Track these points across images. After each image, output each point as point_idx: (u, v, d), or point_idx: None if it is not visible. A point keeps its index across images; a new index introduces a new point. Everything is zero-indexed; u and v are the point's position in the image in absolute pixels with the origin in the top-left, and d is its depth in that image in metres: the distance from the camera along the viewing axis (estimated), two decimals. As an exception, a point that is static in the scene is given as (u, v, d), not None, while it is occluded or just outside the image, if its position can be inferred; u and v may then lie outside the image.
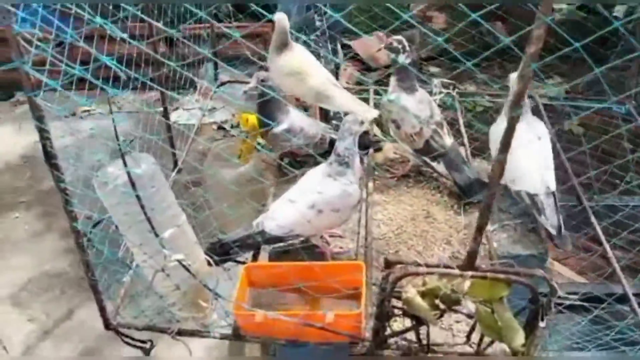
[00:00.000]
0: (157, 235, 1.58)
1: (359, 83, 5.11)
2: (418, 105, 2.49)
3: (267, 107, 2.48)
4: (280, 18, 2.61)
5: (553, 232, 2.20)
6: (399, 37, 2.50)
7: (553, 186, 2.28)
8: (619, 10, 4.19)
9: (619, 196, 2.61)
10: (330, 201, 2.04)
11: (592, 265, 2.77)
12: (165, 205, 1.66)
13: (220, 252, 2.09)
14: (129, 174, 1.45)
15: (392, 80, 2.55)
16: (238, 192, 3.36)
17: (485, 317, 1.64)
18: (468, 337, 1.78)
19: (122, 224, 1.64)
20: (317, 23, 4.21)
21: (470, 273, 1.55)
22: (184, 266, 1.65)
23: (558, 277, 2.96)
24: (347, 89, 2.97)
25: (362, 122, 2.04)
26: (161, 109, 4.89)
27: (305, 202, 2.04)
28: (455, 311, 1.70)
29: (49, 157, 1.42)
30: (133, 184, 1.48)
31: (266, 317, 1.79)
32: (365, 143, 2.65)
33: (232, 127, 4.92)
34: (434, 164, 2.51)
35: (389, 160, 2.76)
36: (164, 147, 2.87)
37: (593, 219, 2.37)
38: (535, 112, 2.67)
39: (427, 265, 1.56)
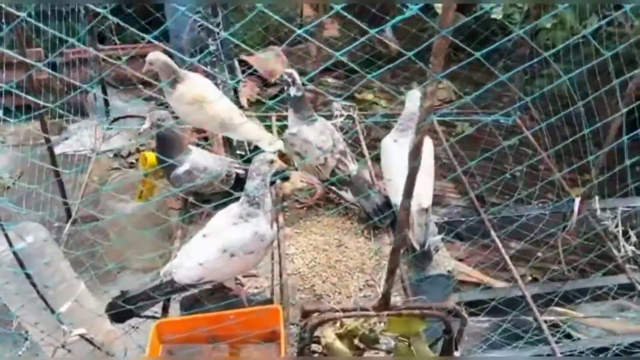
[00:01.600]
0: (53, 311, 1.45)
1: (259, 101, 5.10)
2: (320, 137, 2.50)
3: (166, 147, 2.38)
4: (154, 59, 2.56)
5: (417, 247, 2.29)
6: (289, 70, 2.50)
7: (426, 203, 2.36)
8: (496, 11, 4.44)
9: (514, 206, 2.77)
10: (243, 245, 1.98)
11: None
12: (59, 278, 1.53)
13: (125, 309, 1.96)
14: (15, 253, 1.31)
15: (290, 112, 2.55)
16: (137, 227, 3.23)
17: (403, 351, 1.67)
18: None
19: (13, 304, 1.49)
20: (212, 47, 4.12)
21: (386, 313, 1.56)
22: (87, 339, 1.53)
23: (464, 277, 3.11)
24: (248, 109, 2.95)
25: (271, 161, 2.01)
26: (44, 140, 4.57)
27: (216, 247, 1.97)
28: (375, 349, 1.71)
29: None
30: (21, 263, 1.34)
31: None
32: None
33: (129, 154, 4.69)
34: (341, 192, 2.53)
35: (297, 190, 2.75)
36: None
37: (492, 233, 2.50)
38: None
39: (344, 310, 1.56)
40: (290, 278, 2.27)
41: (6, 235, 1.30)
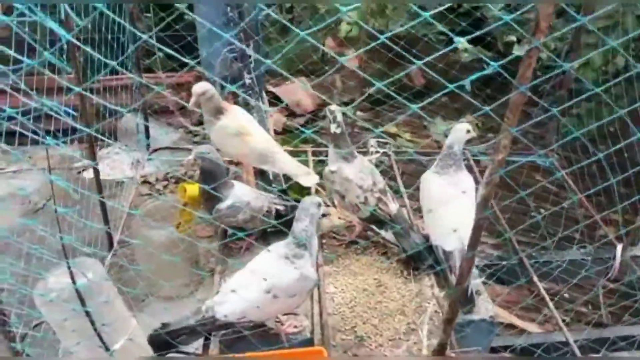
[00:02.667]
0: (107, 349, 1.45)
1: (286, 130, 5.14)
2: (360, 174, 2.49)
3: (210, 180, 2.40)
4: (200, 91, 2.59)
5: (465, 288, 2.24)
6: (333, 106, 2.51)
7: None
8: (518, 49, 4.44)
9: (555, 251, 2.73)
10: (287, 286, 1.97)
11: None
12: (114, 315, 1.53)
13: (165, 342, 1.95)
14: (77, 290, 1.32)
15: (330, 149, 2.55)
16: (169, 256, 3.23)
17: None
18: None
19: (68, 340, 1.49)
20: (247, 81, 4.18)
21: (439, 363, 1.54)
22: (138, 379, 1.51)
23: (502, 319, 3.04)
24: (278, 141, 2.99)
25: (319, 205, 2.00)
26: (81, 163, 4.61)
27: (260, 287, 1.96)
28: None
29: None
30: (82, 300, 1.34)
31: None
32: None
33: (156, 180, 4.73)
34: (381, 231, 2.51)
35: (335, 227, 2.75)
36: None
37: (535, 278, 2.46)
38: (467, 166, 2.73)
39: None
40: (330, 318, 2.24)
41: (71, 272, 1.31)
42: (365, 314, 2.27)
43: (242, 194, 2.46)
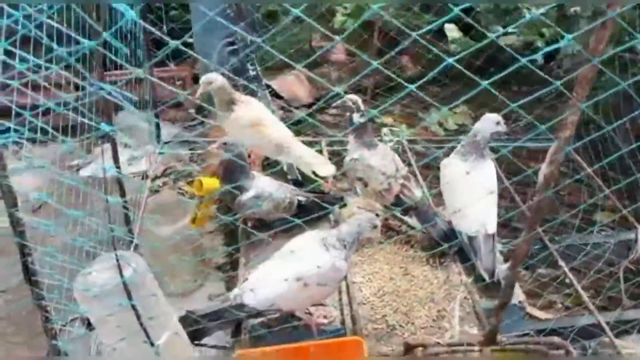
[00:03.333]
0: (152, 344, 1.40)
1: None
2: (382, 161, 2.46)
3: (232, 172, 2.35)
4: (208, 81, 2.54)
5: (485, 276, 2.24)
6: (353, 96, 2.47)
7: (492, 229, 2.32)
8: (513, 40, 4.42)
9: (578, 235, 2.72)
10: (319, 272, 1.92)
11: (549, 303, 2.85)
12: (158, 309, 1.48)
13: (191, 329, 1.90)
14: (124, 283, 1.27)
15: (351, 138, 2.51)
16: (174, 251, 3.18)
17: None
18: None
19: (110, 337, 1.43)
20: (252, 72, 4.12)
21: (492, 347, 1.51)
22: (183, 374, 1.47)
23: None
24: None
25: (375, 227, 1.98)
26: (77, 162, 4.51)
27: (291, 274, 1.92)
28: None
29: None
30: (129, 293, 1.29)
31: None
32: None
33: (156, 177, 4.64)
34: (406, 217, 2.48)
35: (349, 216, 2.70)
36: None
37: (561, 262, 2.44)
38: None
39: (450, 345, 1.51)
40: (360, 308, 2.21)
41: (119, 264, 1.26)
42: (394, 303, 2.24)
43: (264, 185, 2.42)
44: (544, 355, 1.55)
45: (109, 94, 1.32)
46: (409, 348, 1.53)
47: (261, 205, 2.38)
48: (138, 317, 1.33)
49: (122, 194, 2.47)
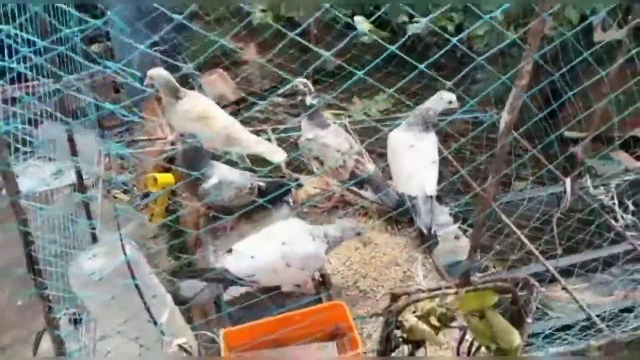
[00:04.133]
0: (156, 322, 1.44)
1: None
2: (336, 140, 2.58)
3: (192, 162, 2.38)
4: (155, 75, 2.58)
5: (424, 231, 2.47)
6: (303, 79, 2.57)
7: (430, 191, 2.53)
8: (417, 27, 4.69)
9: (514, 192, 2.98)
10: (303, 258, 2.06)
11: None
12: (155, 288, 1.51)
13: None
14: (128, 263, 1.30)
15: (304, 120, 2.62)
16: None
17: (477, 326, 1.76)
18: (458, 349, 1.90)
19: (112, 320, 1.45)
20: (186, 71, 4.10)
21: (467, 289, 1.66)
22: (185, 350, 1.51)
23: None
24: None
25: (359, 233, 2.15)
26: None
27: (278, 252, 2.01)
28: (450, 327, 1.80)
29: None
30: (132, 273, 1.33)
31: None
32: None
33: (87, 188, 4.49)
34: (361, 191, 2.62)
35: (312, 196, 2.81)
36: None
37: (503, 217, 2.67)
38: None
39: (430, 290, 1.64)
40: (332, 277, 2.32)
41: (122, 246, 1.29)
42: (363, 270, 2.38)
43: (226, 172, 2.46)
44: (510, 291, 1.73)
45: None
46: (394, 297, 1.66)
47: (223, 192, 2.43)
48: (141, 296, 1.36)
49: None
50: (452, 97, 2.56)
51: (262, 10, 5.39)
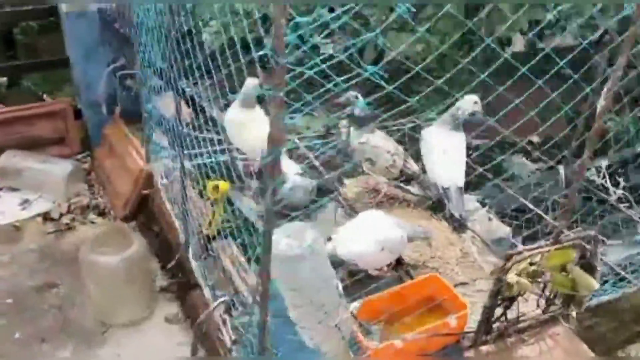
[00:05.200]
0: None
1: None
2: (385, 142, 2.93)
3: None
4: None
5: (457, 216, 2.85)
6: (352, 92, 2.89)
7: (461, 183, 2.95)
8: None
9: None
10: (394, 243, 2.41)
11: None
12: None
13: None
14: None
15: (352, 130, 2.92)
16: (120, 280, 3.28)
17: (559, 278, 2.17)
18: (541, 296, 2.27)
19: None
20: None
21: (555, 247, 2.07)
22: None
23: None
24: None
25: (427, 237, 2.60)
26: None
27: (376, 238, 2.32)
28: (537, 281, 2.18)
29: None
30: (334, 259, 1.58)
31: (406, 341, 2.00)
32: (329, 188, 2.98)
33: (60, 215, 4.46)
34: (408, 187, 2.98)
35: (356, 194, 3.13)
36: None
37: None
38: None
39: (532, 249, 2.03)
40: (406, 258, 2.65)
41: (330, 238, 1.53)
42: (426, 252, 2.72)
43: (296, 176, 2.73)
44: (582, 247, 2.14)
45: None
46: (508, 257, 2.01)
47: (296, 194, 2.69)
48: (337, 287, 1.62)
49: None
50: (475, 98, 2.98)
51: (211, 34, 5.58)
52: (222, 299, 1.95)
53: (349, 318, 1.79)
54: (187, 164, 2.88)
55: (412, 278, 2.51)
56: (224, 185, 2.92)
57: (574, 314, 2.36)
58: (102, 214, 4.40)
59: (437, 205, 2.98)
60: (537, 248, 2.05)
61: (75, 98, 4.88)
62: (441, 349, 2.15)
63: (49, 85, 5.53)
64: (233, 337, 1.93)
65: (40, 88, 5.52)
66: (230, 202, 3.00)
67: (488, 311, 2.12)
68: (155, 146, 3.59)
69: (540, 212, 2.98)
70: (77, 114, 4.80)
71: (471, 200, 3.17)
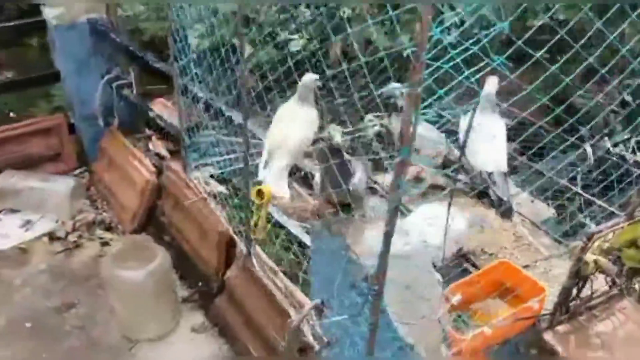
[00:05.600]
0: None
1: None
2: (429, 132, 2.95)
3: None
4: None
5: (504, 199, 2.83)
6: (395, 84, 2.89)
7: (504, 168, 2.99)
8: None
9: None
10: (459, 233, 2.52)
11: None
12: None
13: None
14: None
15: (395, 119, 2.93)
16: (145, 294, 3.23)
17: (629, 253, 2.22)
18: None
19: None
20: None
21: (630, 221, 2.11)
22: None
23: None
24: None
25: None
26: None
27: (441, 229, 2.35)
28: (609, 258, 2.22)
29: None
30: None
31: (494, 328, 2.03)
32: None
33: (67, 233, 4.35)
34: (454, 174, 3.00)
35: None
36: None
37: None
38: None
39: (612, 226, 2.07)
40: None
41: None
42: (482, 239, 2.75)
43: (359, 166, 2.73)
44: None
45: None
46: (589, 237, 2.04)
47: (363, 183, 2.70)
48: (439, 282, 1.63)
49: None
50: (496, 79, 2.96)
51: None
52: (314, 302, 1.94)
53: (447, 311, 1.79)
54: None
55: (474, 265, 2.52)
56: (267, 189, 2.88)
57: (636, 286, 2.41)
58: (108, 228, 4.26)
59: (482, 192, 3.00)
60: (614, 226, 2.09)
61: (68, 113, 4.71)
62: (519, 333, 2.18)
63: (23, 102, 5.17)
64: (325, 339, 1.92)
65: (9, 107, 5.19)
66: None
67: (567, 291, 2.16)
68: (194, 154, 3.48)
69: (588, 196, 3.03)
70: (70, 129, 4.62)
71: (511, 184, 3.20)
